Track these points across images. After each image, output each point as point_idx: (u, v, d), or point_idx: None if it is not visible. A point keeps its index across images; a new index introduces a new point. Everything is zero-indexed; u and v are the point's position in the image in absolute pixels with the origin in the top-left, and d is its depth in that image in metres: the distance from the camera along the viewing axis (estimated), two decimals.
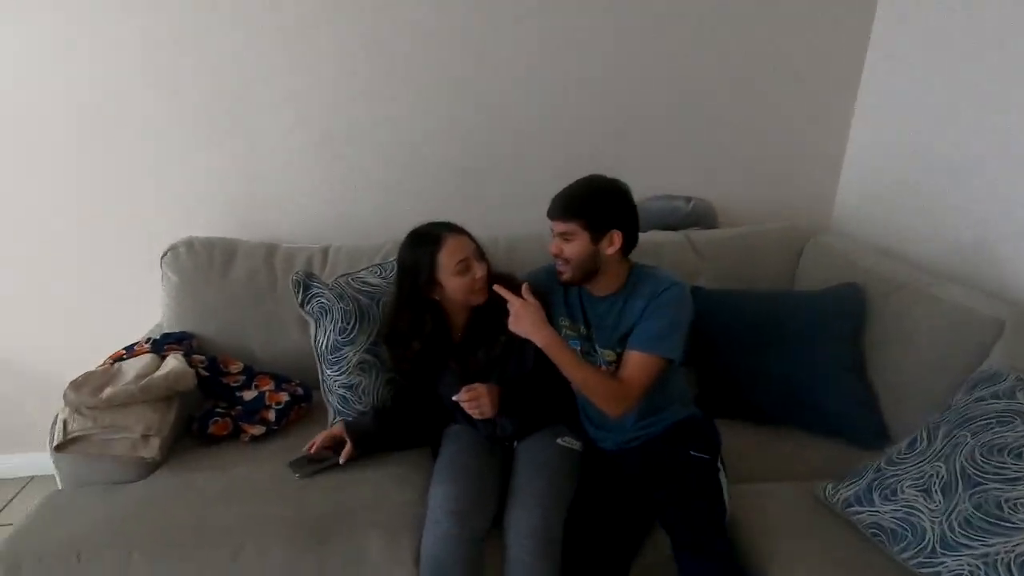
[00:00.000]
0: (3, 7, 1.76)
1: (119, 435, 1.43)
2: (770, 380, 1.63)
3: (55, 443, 1.40)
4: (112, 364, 1.60)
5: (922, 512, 1.11)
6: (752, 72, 2.02)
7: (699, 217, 2.05)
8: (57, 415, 1.44)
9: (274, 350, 1.80)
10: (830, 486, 1.31)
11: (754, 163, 2.13)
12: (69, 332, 2.05)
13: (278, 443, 1.57)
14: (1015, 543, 0.98)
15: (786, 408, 1.61)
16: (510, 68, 1.96)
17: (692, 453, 1.35)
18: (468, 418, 1.42)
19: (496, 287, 1.35)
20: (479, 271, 1.40)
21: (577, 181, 1.35)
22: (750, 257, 1.91)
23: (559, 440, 1.44)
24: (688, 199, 2.06)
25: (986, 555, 1.00)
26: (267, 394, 1.66)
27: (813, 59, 2.01)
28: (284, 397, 1.66)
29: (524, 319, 1.30)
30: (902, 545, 1.12)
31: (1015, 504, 1.01)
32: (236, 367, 1.72)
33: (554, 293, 1.44)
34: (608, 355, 1.39)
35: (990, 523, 1.01)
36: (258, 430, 1.58)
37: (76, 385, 1.46)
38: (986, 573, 0.98)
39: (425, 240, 1.41)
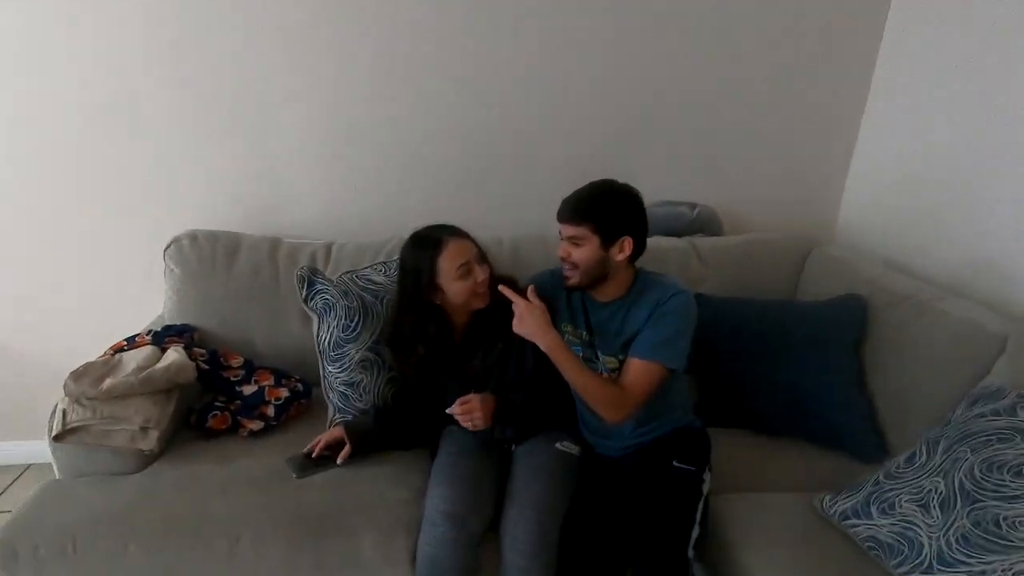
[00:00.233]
0: (3, 7, 1.77)
1: (118, 426, 1.43)
2: (771, 389, 1.62)
3: (54, 433, 1.40)
4: (113, 355, 1.60)
5: (920, 527, 1.11)
6: (757, 75, 2.01)
7: (703, 224, 2.04)
8: (57, 404, 1.44)
9: (276, 344, 1.80)
10: (827, 498, 1.31)
11: (759, 170, 2.12)
12: (71, 321, 2.04)
13: (276, 438, 1.57)
14: (1012, 562, 0.98)
15: (786, 418, 1.61)
16: (510, 68, 1.95)
17: (675, 464, 1.34)
18: None
19: (501, 288, 1.34)
20: (480, 275, 1.39)
21: (589, 184, 1.32)
22: (754, 265, 1.91)
23: (557, 444, 1.43)
24: (693, 205, 2.05)
25: (983, 573, 0.99)
26: (267, 389, 1.66)
27: (821, 64, 2.00)
28: (284, 393, 1.66)
29: (529, 321, 1.29)
30: (898, 559, 1.12)
31: (1013, 522, 1.00)
32: (236, 361, 1.72)
33: (557, 298, 1.42)
34: (610, 362, 1.38)
35: (988, 541, 1.01)
36: (256, 425, 1.58)
37: (76, 375, 1.46)
38: None
39: (426, 244, 1.39)
